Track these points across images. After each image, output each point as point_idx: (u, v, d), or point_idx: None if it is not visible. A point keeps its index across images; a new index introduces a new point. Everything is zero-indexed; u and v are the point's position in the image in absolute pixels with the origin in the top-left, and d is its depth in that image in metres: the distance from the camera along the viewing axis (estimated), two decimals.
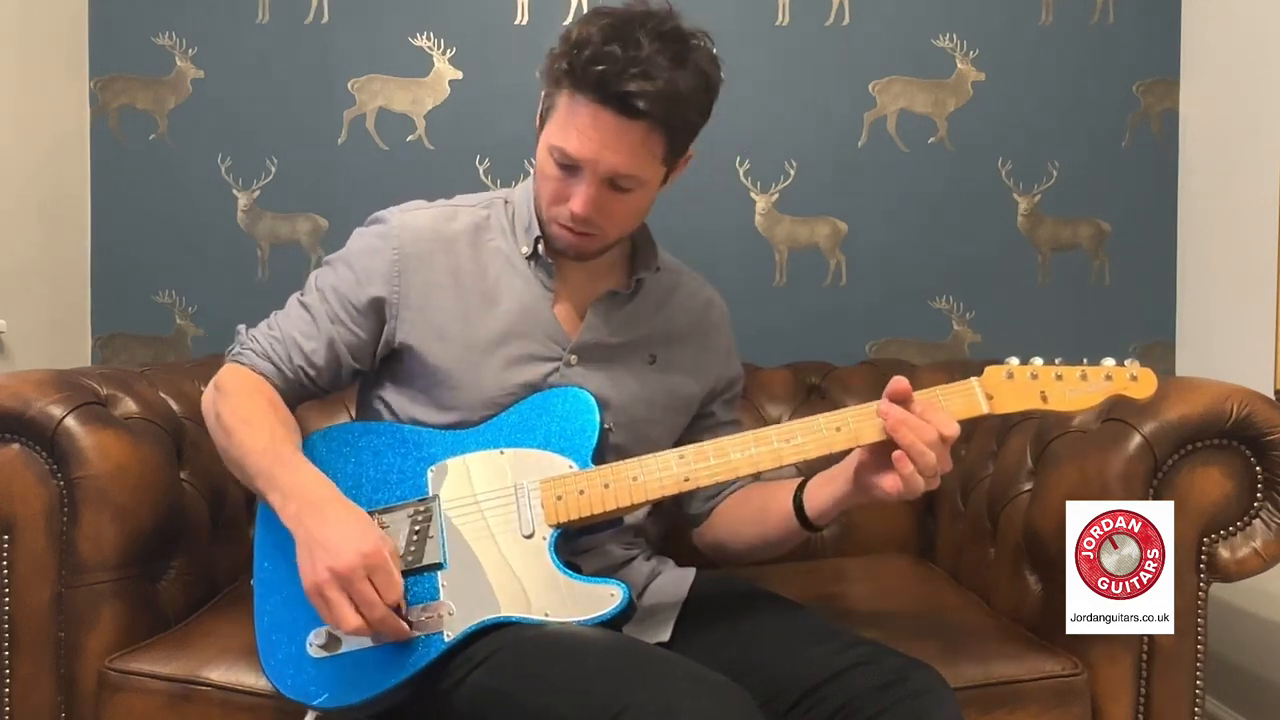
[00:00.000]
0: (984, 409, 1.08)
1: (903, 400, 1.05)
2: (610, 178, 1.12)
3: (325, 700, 1.08)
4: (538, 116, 1.18)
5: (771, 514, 1.22)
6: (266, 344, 1.22)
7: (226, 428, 1.16)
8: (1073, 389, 1.08)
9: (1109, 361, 1.09)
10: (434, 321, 1.21)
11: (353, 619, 1.01)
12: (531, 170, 2.08)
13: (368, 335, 1.23)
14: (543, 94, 1.16)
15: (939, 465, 1.03)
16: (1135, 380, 1.08)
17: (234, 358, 1.23)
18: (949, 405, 1.08)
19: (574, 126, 1.10)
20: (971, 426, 1.67)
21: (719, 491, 1.31)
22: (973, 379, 1.09)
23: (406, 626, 1.06)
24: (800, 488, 1.18)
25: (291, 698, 1.09)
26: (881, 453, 1.06)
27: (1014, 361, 1.10)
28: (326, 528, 1.04)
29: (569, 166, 1.13)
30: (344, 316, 1.21)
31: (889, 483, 1.05)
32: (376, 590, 1.02)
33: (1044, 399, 1.08)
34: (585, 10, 2.10)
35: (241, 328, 1.26)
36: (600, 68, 1.06)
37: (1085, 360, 1.10)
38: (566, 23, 2.09)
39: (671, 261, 1.34)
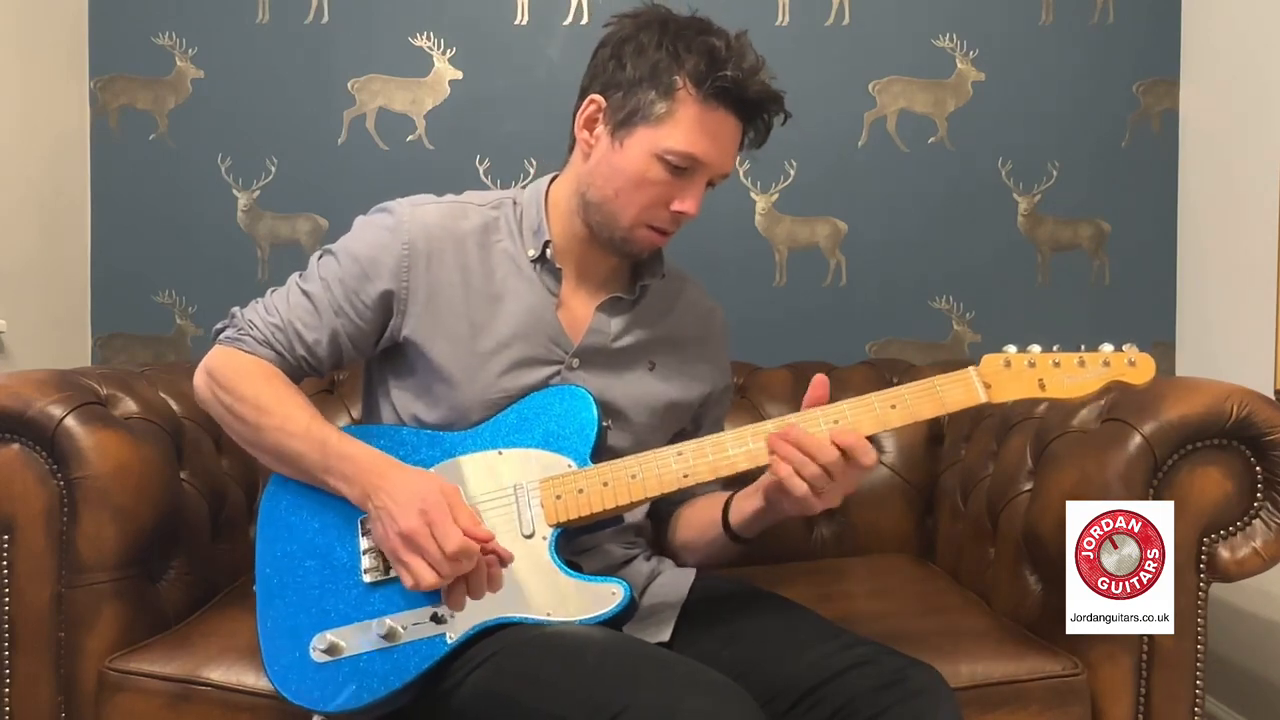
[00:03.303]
0: (982, 398, 1.08)
1: (820, 403, 1.10)
2: (716, 178, 1.19)
3: (330, 705, 1.08)
4: (606, 122, 1.17)
5: (709, 524, 1.25)
6: (267, 331, 1.20)
7: (252, 412, 1.15)
8: (1070, 376, 1.08)
9: (1107, 347, 1.09)
10: (439, 319, 1.20)
11: (429, 576, 1.03)
12: (532, 170, 2.10)
13: (371, 327, 1.22)
14: (632, 97, 1.15)
15: (831, 484, 1.04)
16: (1133, 366, 1.08)
17: (230, 342, 1.21)
18: (946, 396, 1.08)
19: (705, 133, 1.14)
20: (971, 425, 1.69)
21: (687, 496, 1.31)
22: (970, 368, 1.10)
23: (503, 551, 1.07)
24: (730, 500, 1.22)
25: (296, 703, 1.09)
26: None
27: (1011, 350, 1.10)
28: (391, 497, 1.07)
29: (683, 170, 1.15)
30: (348, 309, 1.20)
31: (789, 502, 1.07)
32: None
33: (1042, 386, 1.08)
34: (585, 12, 2.10)
35: (236, 310, 1.24)
36: (751, 81, 1.13)
37: (1083, 348, 1.10)
38: (566, 23, 2.11)
39: (676, 268, 1.34)
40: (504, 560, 1.07)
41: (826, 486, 1.04)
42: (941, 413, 1.09)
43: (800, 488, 1.04)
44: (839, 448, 1.04)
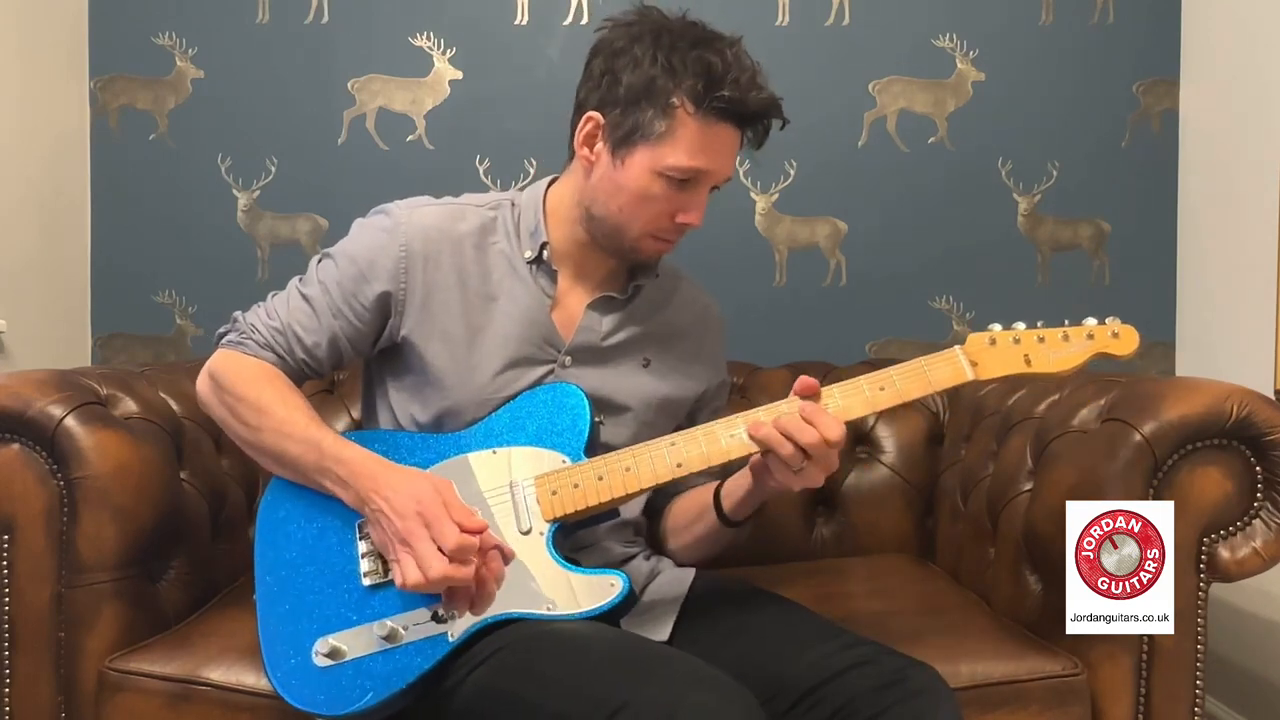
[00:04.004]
0: (969, 375, 1.10)
1: (811, 396, 1.10)
2: (718, 183, 1.20)
3: (334, 709, 1.08)
4: (605, 140, 1.17)
5: (701, 510, 1.26)
6: (268, 334, 1.21)
7: (253, 413, 1.16)
8: (1056, 350, 1.10)
9: (1090, 321, 1.11)
10: (436, 321, 1.21)
11: (423, 573, 1.01)
12: (532, 170, 2.10)
13: (369, 329, 1.23)
14: (630, 116, 1.15)
15: (825, 465, 1.07)
16: (1116, 337, 1.10)
17: (232, 345, 1.22)
18: (933, 375, 1.09)
19: (705, 148, 1.15)
20: (971, 425, 1.69)
21: (679, 490, 1.32)
22: (956, 347, 1.11)
23: (502, 547, 1.06)
24: (721, 485, 1.24)
25: (299, 708, 1.09)
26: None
27: (996, 328, 1.11)
28: (386, 500, 1.06)
29: (684, 182, 1.16)
30: (346, 311, 1.21)
31: (771, 480, 1.10)
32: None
33: (1028, 362, 1.10)
34: (585, 11, 2.10)
35: (239, 314, 1.25)
36: (749, 95, 1.13)
37: (1066, 322, 1.11)
38: (566, 23, 2.11)
39: (671, 267, 1.35)
40: (506, 556, 1.07)
41: (804, 465, 1.07)
42: (930, 391, 1.11)
43: (780, 467, 1.07)
44: (810, 423, 1.06)
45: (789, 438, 1.06)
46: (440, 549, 1.02)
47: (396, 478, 1.09)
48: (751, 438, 1.08)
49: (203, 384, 1.22)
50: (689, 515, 1.29)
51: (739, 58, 1.15)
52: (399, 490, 1.06)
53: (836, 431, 1.06)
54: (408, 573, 1.03)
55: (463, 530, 1.02)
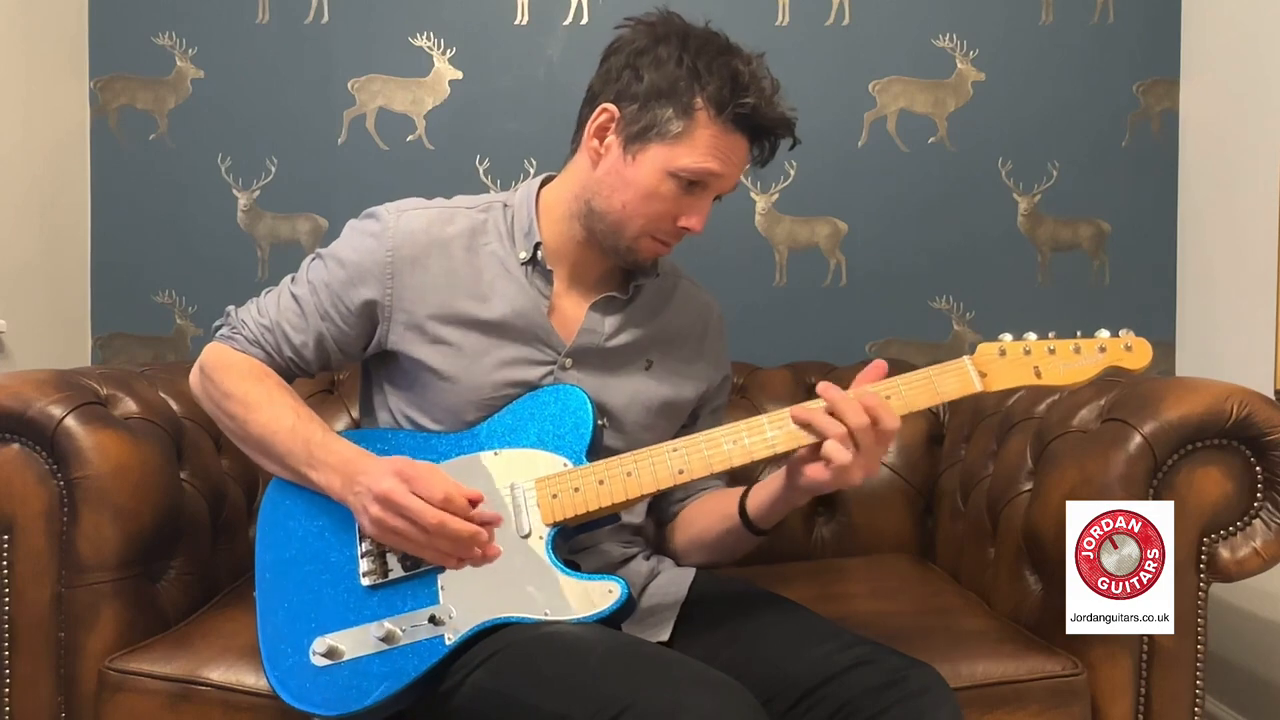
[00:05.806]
0: (977, 387, 1.08)
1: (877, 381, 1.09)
2: (723, 193, 1.20)
3: (331, 708, 1.08)
4: (619, 133, 1.17)
5: (722, 518, 1.24)
6: (257, 331, 1.22)
7: (240, 407, 1.18)
8: (1067, 363, 1.08)
9: (1103, 333, 1.09)
10: (426, 326, 1.21)
11: (419, 518, 1.05)
12: (532, 170, 2.10)
13: (356, 333, 1.23)
14: (648, 112, 1.15)
15: (867, 461, 1.05)
16: (1130, 350, 1.07)
17: (223, 339, 1.24)
18: (941, 386, 1.08)
19: (719, 154, 1.15)
20: (971, 425, 1.69)
21: (688, 494, 1.32)
22: (964, 357, 1.10)
23: (470, 526, 1.07)
24: (746, 492, 1.22)
25: (296, 707, 1.09)
26: (815, 449, 1.08)
27: (1007, 338, 1.10)
28: (366, 472, 1.09)
29: (693, 185, 1.16)
30: (333, 313, 1.21)
31: (813, 470, 1.06)
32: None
33: (1038, 374, 1.08)
34: (585, 11, 2.10)
35: (231, 309, 1.26)
36: (769, 109, 1.15)
37: (1079, 334, 1.09)
38: (566, 23, 2.11)
39: (671, 265, 1.34)
40: (491, 520, 1.09)
41: (849, 458, 1.04)
42: (937, 402, 1.09)
43: (838, 454, 1.03)
44: (865, 409, 1.04)
45: (842, 418, 1.04)
46: (429, 500, 1.05)
47: (381, 460, 1.11)
48: (795, 420, 1.07)
49: (193, 376, 1.25)
50: (707, 521, 1.28)
51: (763, 70, 1.16)
52: (377, 464, 1.09)
53: (895, 422, 1.05)
54: (403, 532, 1.06)
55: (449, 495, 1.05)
